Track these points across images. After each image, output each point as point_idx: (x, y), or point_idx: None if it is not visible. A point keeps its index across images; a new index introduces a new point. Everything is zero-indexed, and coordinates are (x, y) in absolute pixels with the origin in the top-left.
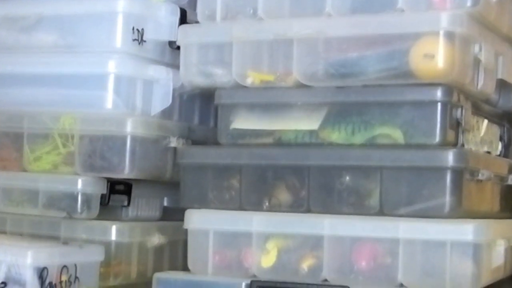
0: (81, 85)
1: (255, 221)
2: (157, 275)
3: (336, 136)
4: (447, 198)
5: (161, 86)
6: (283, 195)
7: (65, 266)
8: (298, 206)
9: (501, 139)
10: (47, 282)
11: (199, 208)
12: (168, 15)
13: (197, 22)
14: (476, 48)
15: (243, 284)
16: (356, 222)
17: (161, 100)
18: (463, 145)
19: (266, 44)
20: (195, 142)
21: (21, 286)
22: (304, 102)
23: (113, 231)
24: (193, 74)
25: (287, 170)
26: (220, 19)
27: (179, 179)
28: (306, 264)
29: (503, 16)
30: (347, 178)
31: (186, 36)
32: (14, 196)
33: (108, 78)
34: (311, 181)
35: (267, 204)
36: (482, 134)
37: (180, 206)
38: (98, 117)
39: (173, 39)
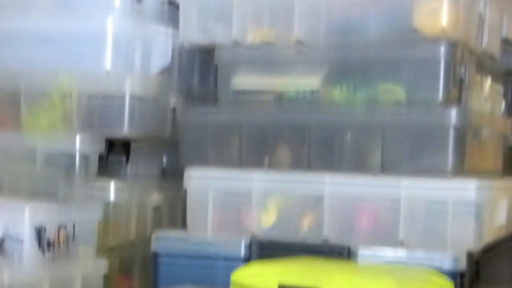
0: (79, 44)
1: (255, 180)
2: (156, 234)
3: (337, 94)
4: (450, 157)
5: (160, 45)
6: (284, 154)
7: (63, 224)
8: (299, 165)
9: (504, 98)
10: (45, 240)
11: (199, 167)
12: None
13: None
14: (481, 5)
15: (243, 243)
16: (357, 180)
17: (160, 59)
18: (466, 103)
19: (267, 2)
20: (195, 101)
21: (18, 244)
22: (305, 60)
23: (112, 190)
24: (192, 33)
25: (287, 128)
26: None
27: (179, 138)
28: (306, 223)
29: None
30: (349, 136)
31: None
32: (12, 154)
33: (106, 37)
34: (312, 140)
35: (267, 162)
36: (486, 92)
37: (180, 165)
38: (97, 76)
39: None
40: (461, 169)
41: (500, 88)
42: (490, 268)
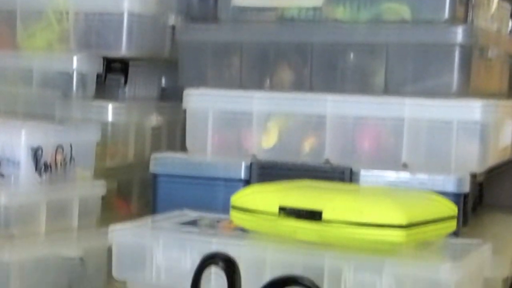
0: None
1: (256, 100)
2: (155, 155)
3: (341, 12)
4: (455, 76)
5: None
6: (285, 74)
7: (60, 145)
8: (301, 85)
9: (511, 16)
10: (42, 161)
11: (198, 87)
12: None
13: None
14: None
15: (243, 165)
16: (360, 101)
17: None
18: (472, 21)
19: None
20: (195, 19)
21: (15, 166)
22: None
23: (110, 111)
24: None
25: (289, 48)
26: None
27: (178, 58)
28: (307, 145)
29: None
30: (352, 55)
31: None
32: (8, 75)
33: None
34: (314, 59)
35: (268, 82)
36: (493, 10)
37: (179, 85)
38: None
39: None
40: (466, 89)
41: (507, 6)
42: (493, 192)
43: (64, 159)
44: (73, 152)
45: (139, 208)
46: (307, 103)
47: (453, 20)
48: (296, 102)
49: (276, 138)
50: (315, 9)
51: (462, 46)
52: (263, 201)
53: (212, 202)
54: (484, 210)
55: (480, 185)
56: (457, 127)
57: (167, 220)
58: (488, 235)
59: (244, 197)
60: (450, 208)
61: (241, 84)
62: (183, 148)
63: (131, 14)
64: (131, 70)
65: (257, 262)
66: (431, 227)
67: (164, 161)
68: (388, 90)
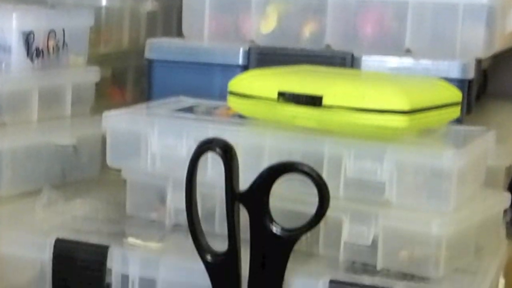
0: None
1: None
2: (150, 41)
3: None
4: None
5: None
6: None
7: (52, 30)
8: None
9: None
10: (33, 47)
11: None
12: None
13: None
14: None
15: (241, 50)
16: None
17: None
18: None
19: None
20: None
21: (6, 52)
22: None
23: None
24: None
25: None
26: None
27: None
28: (308, 29)
29: None
30: None
31: None
32: None
33: None
34: None
35: None
36: None
37: None
38: None
39: None
40: None
41: None
42: (497, 80)
43: (57, 45)
44: (65, 37)
45: (134, 96)
46: None
47: None
48: None
49: (275, 22)
50: None
51: None
52: (262, 86)
53: (209, 88)
54: (488, 99)
55: (484, 72)
56: (463, 10)
57: (162, 106)
58: (492, 123)
59: (242, 82)
60: (454, 94)
61: None
62: (179, 33)
63: None
64: None
65: (255, 148)
66: (434, 113)
67: (159, 47)
68: None
